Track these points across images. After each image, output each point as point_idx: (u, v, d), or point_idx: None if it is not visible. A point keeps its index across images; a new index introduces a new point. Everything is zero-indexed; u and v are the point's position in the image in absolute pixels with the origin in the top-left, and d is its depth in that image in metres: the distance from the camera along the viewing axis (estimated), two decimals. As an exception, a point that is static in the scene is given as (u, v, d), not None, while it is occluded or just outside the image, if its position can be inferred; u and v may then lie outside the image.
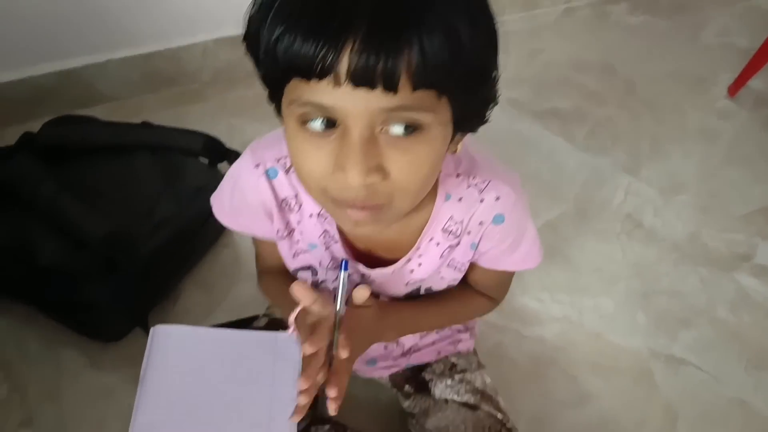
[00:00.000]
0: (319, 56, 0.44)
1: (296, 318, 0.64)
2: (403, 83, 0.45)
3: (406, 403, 0.93)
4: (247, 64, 0.53)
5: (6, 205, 1.05)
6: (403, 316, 0.77)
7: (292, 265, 0.77)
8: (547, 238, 1.27)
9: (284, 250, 0.76)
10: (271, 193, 0.69)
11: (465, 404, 0.87)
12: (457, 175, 0.67)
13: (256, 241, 0.82)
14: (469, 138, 0.62)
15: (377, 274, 0.72)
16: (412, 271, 0.73)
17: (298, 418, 0.63)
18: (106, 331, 1.06)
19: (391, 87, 0.45)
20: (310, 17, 0.45)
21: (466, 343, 0.95)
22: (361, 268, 0.72)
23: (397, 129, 0.49)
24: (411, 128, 0.49)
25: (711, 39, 1.74)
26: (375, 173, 0.50)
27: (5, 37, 1.35)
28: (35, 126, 1.18)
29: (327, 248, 0.72)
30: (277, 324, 0.96)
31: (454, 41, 0.45)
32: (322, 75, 0.46)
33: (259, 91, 0.54)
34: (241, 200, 0.71)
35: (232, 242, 1.22)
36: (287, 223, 0.72)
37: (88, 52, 1.43)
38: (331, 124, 0.49)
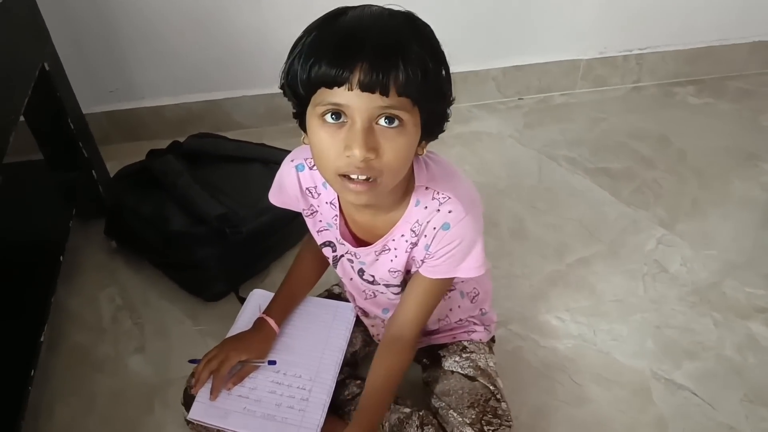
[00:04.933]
0: (340, 74, 0.69)
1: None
2: (392, 91, 0.70)
3: (424, 374, 1.15)
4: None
5: (154, 189, 1.41)
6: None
7: (318, 240, 1.02)
8: (579, 270, 1.46)
9: (310, 225, 1.01)
10: (297, 181, 0.95)
11: (466, 375, 1.07)
12: (426, 188, 0.87)
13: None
14: (456, 166, 0.90)
15: (362, 251, 0.95)
16: (391, 260, 0.95)
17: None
18: (208, 290, 1.36)
19: (384, 93, 0.69)
20: (333, 51, 0.70)
21: (479, 334, 1.15)
22: (352, 248, 0.96)
23: (386, 122, 0.72)
24: (395, 122, 0.72)
25: (768, 123, 1.86)
26: (371, 151, 0.72)
27: (170, 72, 1.76)
28: (184, 138, 1.57)
29: (338, 228, 0.96)
30: (333, 296, 1.24)
31: (424, 69, 0.71)
32: (340, 84, 0.69)
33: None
34: (281, 184, 0.99)
35: (314, 242, 1.51)
36: (310, 206, 0.98)
37: (229, 87, 1.81)
38: (341, 119, 0.73)
